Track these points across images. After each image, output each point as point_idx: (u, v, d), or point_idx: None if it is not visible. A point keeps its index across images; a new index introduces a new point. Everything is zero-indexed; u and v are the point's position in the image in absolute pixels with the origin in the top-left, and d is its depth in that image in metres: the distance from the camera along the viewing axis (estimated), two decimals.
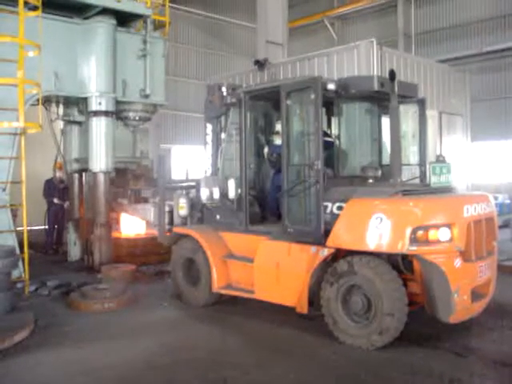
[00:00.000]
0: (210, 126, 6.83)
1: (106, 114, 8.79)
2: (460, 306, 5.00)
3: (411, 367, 4.65)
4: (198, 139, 16.86)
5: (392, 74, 5.20)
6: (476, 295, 5.34)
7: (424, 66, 11.02)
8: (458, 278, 4.96)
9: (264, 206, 6.68)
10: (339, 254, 5.31)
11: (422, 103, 6.35)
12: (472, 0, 18.39)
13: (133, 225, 9.77)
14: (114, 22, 8.85)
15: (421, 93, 7.02)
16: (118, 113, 9.20)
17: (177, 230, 6.94)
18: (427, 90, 10.77)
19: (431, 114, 10.30)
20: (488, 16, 18.32)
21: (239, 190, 6.30)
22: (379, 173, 6.06)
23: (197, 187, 7.14)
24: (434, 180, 5.38)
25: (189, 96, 19.99)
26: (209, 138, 6.85)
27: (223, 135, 6.73)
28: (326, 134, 5.93)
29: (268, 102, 6.84)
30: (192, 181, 7.38)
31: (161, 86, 9.63)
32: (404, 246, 4.84)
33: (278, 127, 6.84)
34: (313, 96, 5.34)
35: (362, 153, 6.35)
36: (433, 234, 4.87)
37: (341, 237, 5.20)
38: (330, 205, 5.40)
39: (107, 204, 8.97)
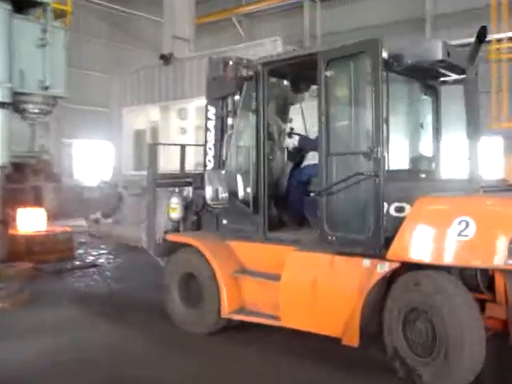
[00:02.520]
0: (212, 109, 5.34)
1: (1, 105, 7.35)
2: None
3: None
4: (102, 134, 16.31)
5: (483, 32, 3.90)
6: None
7: None
8: None
9: (281, 208, 5.26)
10: (399, 270, 3.96)
11: (473, 82, 5.12)
12: (376, 4, 17.91)
13: (31, 221, 8.95)
14: (9, 7, 7.43)
15: None
16: (15, 105, 7.89)
17: (172, 237, 5.38)
18: None
19: None
20: (392, 20, 17.60)
21: (254, 188, 4.86)
22: (433, 166, 4.78)
23: (194, 184, 5.65)
24: None
25: (93, 89, 18.74)
26: (211, 124, 5.36)
27: (229, 120, 5.26)
28: None
29: (287, 82, 5.43)
30: (186, 176, 5.85)
31: (61, 78, 8.46)
32: (501, 259, 3.53)
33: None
34: (370, 64, 3.98)
35: (409, 141, 5.02)
36: None
37: (408, 247, 3.84)
38: (385, 205, 4.05)
39: (2, 200, 7.55)
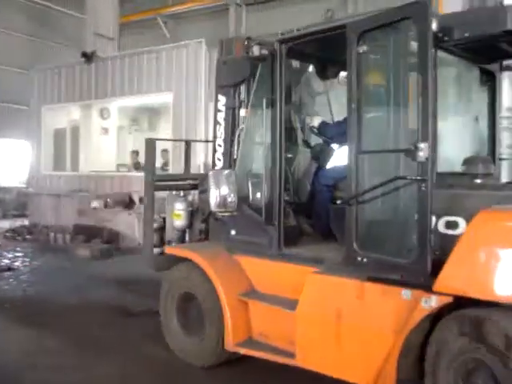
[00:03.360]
0: (223, 99, 4.46)
1: None
2: None
3: None
4: (20, 132, 15.52)
5: None
6: None
7: None
8: None
9: (303, 218, 4.33)
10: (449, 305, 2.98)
11: None
12: (303, 9, 16.99)
13: None
14: None
15: None
16: None
17: (171, 250, 4.50)
18: None
19: None
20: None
21: (268, 193, 3.95)
22: (492, 168, 3.77)
23: (200, 187, 4.79)
24: None
25: (11, 86, 17.39)
26: (221, 117, 4.49)
27: (243, 112, 4.37)
28: None
29: (311, 65, 4.50)
30: (193, 177, 4.99)
31: None
32: None
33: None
34: (416, 36, 3.03)
35: (461, 138, 3.99)
36: None
37: (463, 277, 2.85)
38: (432, 219, 3.07)
39: None
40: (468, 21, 3.34)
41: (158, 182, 4.82)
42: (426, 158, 2.92)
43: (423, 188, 2.95)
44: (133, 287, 6.56)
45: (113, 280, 7.12)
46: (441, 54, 3.51)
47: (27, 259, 8.99)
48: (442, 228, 3.08)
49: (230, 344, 3.90)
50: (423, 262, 2.98)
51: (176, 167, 9.14)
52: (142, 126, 13.97)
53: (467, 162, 3.72)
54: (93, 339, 4.87)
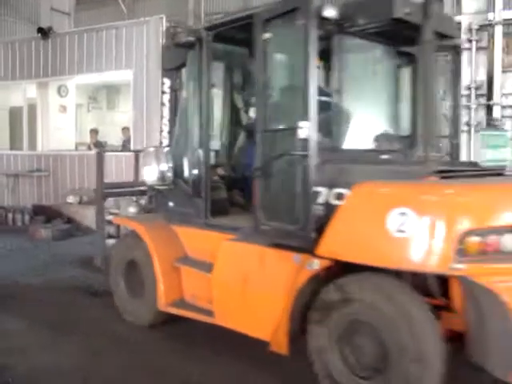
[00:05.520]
0: (167, 82, 4.72)
1: None
2: None
3: None
4: None
5: None
6: None
7: None
8: None
9: (237, 192, 4.61)
10: (341, 269, 3.23)
11: (456, 50, 4.24)
12: None
13: None
14: None
15: None
16: None
17: (117, 220, 4.86)
18: None
19: None
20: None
21: (196, 168, 4.22)
22: (398, 146, 3.97)
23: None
24: (488, 156, 3.27)
25: None
26: (166, 98, 4.75)
27: (184, 93, 4.63)
28: (321, 91, 3.77)
29: (245, 50, 4.71)
30: (141, 184, 5.20)
31: None
32: (445, 264, 2.76)
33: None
34: (301, 24, 3.23)
35: (373, 117, 4.18)
36: (493, 243, 2.79)
37: (339, 242, 3.11)
38: (324, 191, 3.32)
39: None
40: (364, 9, 3.53)
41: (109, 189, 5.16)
42: (306, 137, 3.15)
43: (305, 163, 3.19)
44: (95, 267, 6.03)
45: (74, 260, 6.95)
46: (352, 38, 3.74)
47: None
48: (332, 199, 3.32)
49: (163, 305, 4.24)
50: (308, 228, 3.24)
51: (137, 144, 9.05)
52: (100, 104, 13.59)
53: (376, 139, 3.95)
54: (56, 319, 4.77)
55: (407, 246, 2.84)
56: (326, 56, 3.77)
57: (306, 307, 3.30)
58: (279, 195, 3.54)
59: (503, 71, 8.01)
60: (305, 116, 3.15)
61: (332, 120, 3.72)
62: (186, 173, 4.28)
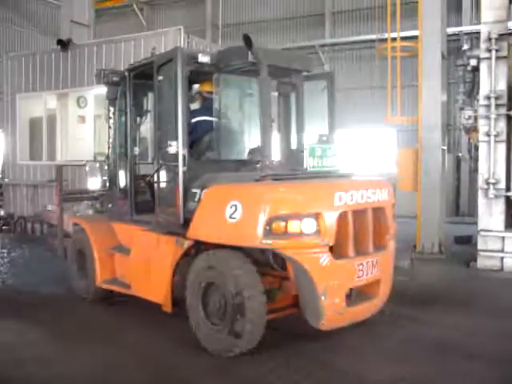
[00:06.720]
0: (111, 109, 5.96)
1: None
2: (330, 311, 4.03)
3: None
4: None
5: (247, 40, 4.20)
6: (360, 297, 4.36)
7: None
8: (326, 277, 3.97)
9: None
10: (206, 247, 4.39)
11: (330, 78, 5.33)
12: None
13: None
14: None
15: None
16: None
17: (72, 219, 6.12)
18: None
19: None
20: (293, 15, 17.99)
21: (125, 178, 5.43)
22: (259, 156, 5.10)
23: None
24: (311, 163, 4.38)
25: None
26: (111, 122, 5.98)
27: (122, 118, 5.86)
28: (208, 115, 4.98)
29: None
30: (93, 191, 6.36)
31: None
32: (257, 239, 3.89)
33: None
34: (174, 70, 4.43)
35: (251, 134, 5.35)
36: (293, 226, 3.90)
37: (199, 227, 4.28)
38: (198, 192, 4.48)
39: None
40: (228, 54, 4.71)
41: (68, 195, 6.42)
42: (176, 151, 4.34)
43: (176, 170, 4.37)
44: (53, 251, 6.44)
45: None
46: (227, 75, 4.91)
47: (4, 250, 8.74)
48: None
49: (98, 281, 5.47)
50: (179, 218, 4.41)
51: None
52: None
53: (250, 152, 5.10)
54: (75, 329, 4.91)
55: (236, 228, 4.00)
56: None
57: (185, 279, 4.46)
58: (165, 196, 4.73)
59: None
60: (173, 137, 4.34)
61: (213, 138, 4.92)
62: (119, 181, 5.48)
